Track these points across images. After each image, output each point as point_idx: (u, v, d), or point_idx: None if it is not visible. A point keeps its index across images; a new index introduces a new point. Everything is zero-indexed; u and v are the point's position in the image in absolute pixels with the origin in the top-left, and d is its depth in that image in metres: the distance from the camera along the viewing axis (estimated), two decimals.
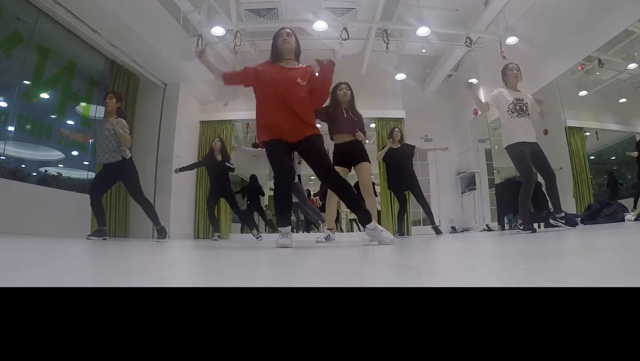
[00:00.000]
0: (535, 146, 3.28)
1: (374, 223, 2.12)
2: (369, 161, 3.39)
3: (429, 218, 4.69)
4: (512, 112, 3.25)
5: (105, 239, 3.39)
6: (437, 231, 4.63)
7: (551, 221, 3.44)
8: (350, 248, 2.07)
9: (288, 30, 2.33)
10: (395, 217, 6.27)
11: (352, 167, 3.38)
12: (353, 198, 2.19)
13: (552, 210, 4.70)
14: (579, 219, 4.25)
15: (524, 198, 3.22)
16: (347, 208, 2.24)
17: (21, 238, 2.66)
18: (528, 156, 3.22)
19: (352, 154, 3.31)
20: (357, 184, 3.57)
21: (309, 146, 2.20)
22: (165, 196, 5.62)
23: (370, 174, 3.45)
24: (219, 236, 4.90)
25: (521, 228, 3.22)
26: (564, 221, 3.22)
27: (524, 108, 3.26)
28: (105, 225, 3.49)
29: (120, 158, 3.47)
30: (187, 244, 2.99)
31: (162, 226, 3.62)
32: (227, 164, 4.76)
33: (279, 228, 2.20)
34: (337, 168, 3.28)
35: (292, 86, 2.18)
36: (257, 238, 4.81)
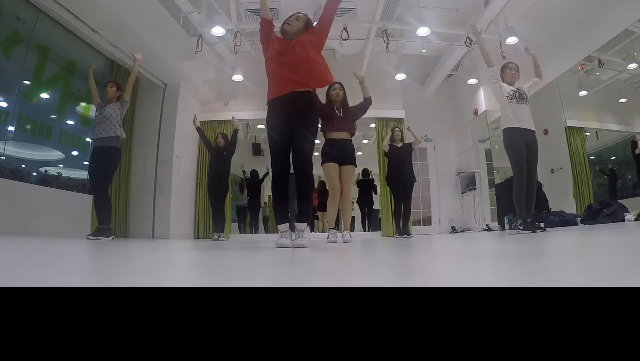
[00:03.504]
0: (532, 138, 3.27)
1: (304, 225, 2.20)
2: (356, 165, 3.49)
3: (403, 221, 4.83)
4: (512, 99, 3.28)
5: (113, 238, 3.36)
6: (407, 234, 4.82)
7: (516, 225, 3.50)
8: (349, 248, 2.07)
9: (299, 14, 2.35)
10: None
11: (340, 166, 3.42)
12: (309, 190, 2.22)
13: (551, 209, 4.71)
14: (579, 219, 4.25)
15: (517, 194, 3.19)
16: (297, 196, 2.24)
17: (21, 238, 2.66)
18: (523, 149, 3.20)
19: (344, 152, 3.37)
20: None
21: (304, 112, 2.19)
22: (165, 196, 5.62)
23: (353, 179, 3.59)
24: (218, 236, 4.89)
25: (521, 228, 3.22)
26: (522, 228, 3.21)
27: (524, 96, 3.31)
28: (110, 223, 3.43)
29: (111, 144, 3.44)
30: (188, 244, 2.99)
31: (109, 227, 3.41)
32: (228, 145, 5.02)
33: (277, 226, 2.22)
34: (330, 164, 3.34)
35: (299, 51, 2.17)
36: (215, 238, 4.84)
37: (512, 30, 5.30)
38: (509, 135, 3.27)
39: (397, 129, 5.03)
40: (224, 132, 5.68)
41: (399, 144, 4.95)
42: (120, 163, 5.11)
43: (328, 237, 3.43)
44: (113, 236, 3.42)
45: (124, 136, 3.57)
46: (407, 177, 4.81)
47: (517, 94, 3.30)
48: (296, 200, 2.27)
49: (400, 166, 4.81)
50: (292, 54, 2.18)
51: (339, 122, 3.36)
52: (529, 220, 3.20)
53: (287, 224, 2.21)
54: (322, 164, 3.39)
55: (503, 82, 3.41)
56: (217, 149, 5.05)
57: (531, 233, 3.03)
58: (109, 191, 3.59)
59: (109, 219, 3.45)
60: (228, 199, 6.07)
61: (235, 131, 5.01)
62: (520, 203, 3.18)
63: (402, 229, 4.81)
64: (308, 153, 2.19)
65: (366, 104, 3.51)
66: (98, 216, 3.41)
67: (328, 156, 3.36)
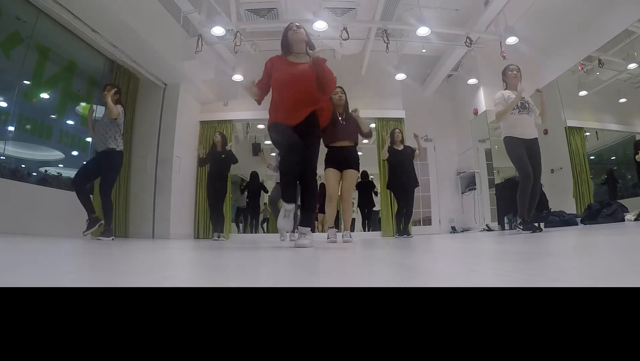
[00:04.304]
0: (534, 144, 3.25)
1: (308, 229, 2.24)
2: (359, 171, 3.46)
3: (404, 222, 4.79)
4: (514, 109, 3.24)
5: (101, 224, 3.39)
6: (407, 234, 4.80)
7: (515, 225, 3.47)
8: (349, 248, 2.07)
9: (297, 24, 2.38)
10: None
11: (342, 170, 3.39)
12: (313, 202, 2.35)
13: (551, 209, 4.71)
14: (579, 219, 4.25)
15: (521, 195, 3.18)
16: (302, 205, 2.37)
17: (21, 238, 2.66)
18: (524, 153, 3.19)
19: (346, 158, 3.34)
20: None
21: (310, 129, 2.26)
22: (165, 196, 5.61)
23: (354, 183, 3.54)
24: (218, 236, 4.89)
25: (521, 227, 3.22)
26: (522, 227, 3.21)
27: (526, 105, 3.27)
28: (95, 212, 3.44)
29: (111, 147, 3.45)
30: (188, 244, 2.99)
31: (109, 228, 3.46)
32: (227, 149, 4.99)
33: (283, 202, 2.23)
34: (331, 170, 3.32)
35: (304, 78, 2.22)
36: (216, 239, 4.85)
37: (512, 30, 5.30)
38: (509, 142, 3.26)
39: (397, 130, 4.90)
40: (223, 131, 5.68)
41: (400, 147, 4.82)
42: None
43: (328, 237, 3.43)
44: (113, 237, 3.45)
45: (121, 147, 3.55)
46: (408, 179, 4.70)
47: (519, 103, 3.25)
48: (299, 209, 2.33)
49: (400, 170, 4.69)
50: (302, 77, 2.22)
51: (342, 130, 3.31)
52: (528, 220, 3.20)
53: (293, 205, 2.20)
54: (324, 169, 3.37)
55: (506, 87, 3.39)
56: (213, 148, 5.04)
57: (531, 233, 3.03)
58: (111, 193, 3.62)
59: (110, 220, 3.48)
60: (228, 199, 6.06)
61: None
62: (524, 203, 3.17)
63: (403, 230, 4.78)
64: (314, 168, 2.30)
65: (366, 136, 3.45)
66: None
67: (330, 162, 3.35)
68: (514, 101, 3.21)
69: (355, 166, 3.40)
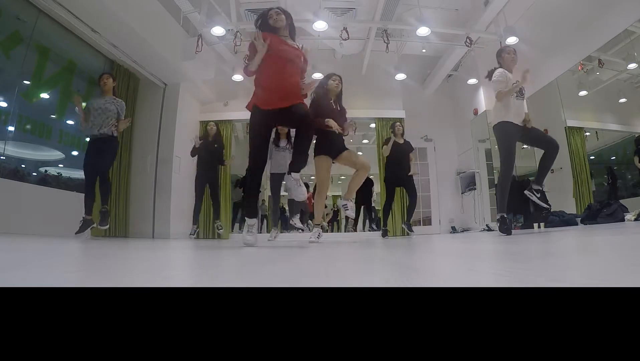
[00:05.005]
0: (531, 130, 3.14)
1: (298, 175, 2.23)
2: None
3: (407, 214, 4.79)
4: (514, 93, 3.09)
5: (94, 227, 3.50)
6: (409, 229, 4.80)
7: (526, 191, 3.23)
8: (348, 248, 2.07)
9: (276, 9, 2.33)
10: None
11: (334, 158, 3.27)
12: (307, 144, 2.24)
13: (550, 208, 4.69)
14: (579, 219, 4.26)
15: (502, 189, 3.04)
16: (294, 148, 2.32)
17: (21, 238, 2.65)
18: (515, 141, 3.08)
19: (339, 142, 3.24)
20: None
21: (297, 113, 2.22)
22: (165, 196, 5.61)
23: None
24: (195, 231, 4.95)
25: (521, 224, 3.17)
26: (538, 195, 3.10)
27: (523, 91, 3.15)
28: (91, 215, 3.52)
29: (110, 133, 3.55)
30: (187, 244, 2.99)
31: (107, 210, 3.59)
32: (216, 147, 5.00)
33: (247, 220, 2.26)
34: (323, 157, 3.19)
35: (297, 59, 2.26)
36: (219, 229, 5.08)
37: (512, 30, 5.29)
38: (503, 127, 3.11)
39: (397, 123, 4.91)
40: (223, 131, 5.67)
41: (400, 140, 4.82)
42: (119, 163, 5.14)
43: (310, 237, 3.17)
44: (109, 217, 3.66)
45: (116, 133, 3.65)
46: (405, 177, 4.73)
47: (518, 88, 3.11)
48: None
49: (399, 164, 4.71)
50: (295, 62, 2.25)
51: (337, 115, 3.19)
52: (539, 188, 3.10)
53: (255, 219, 2.27)
54: (315, 156, 3.19)
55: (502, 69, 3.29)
56: (206, 138, 5.06)
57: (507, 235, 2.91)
58: (109, 175, 3.75)
59: (106, 201, 3.61)
60: (226, 195, 6.06)
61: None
62: (503, 196, 3.02)
63: (406, 223, 4.77)
64: (309, 115, 2.26)
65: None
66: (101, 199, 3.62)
67: (322, 146, 3.18)
68: (517, 85, 3.02)
69: (345, 148, 3.29)
